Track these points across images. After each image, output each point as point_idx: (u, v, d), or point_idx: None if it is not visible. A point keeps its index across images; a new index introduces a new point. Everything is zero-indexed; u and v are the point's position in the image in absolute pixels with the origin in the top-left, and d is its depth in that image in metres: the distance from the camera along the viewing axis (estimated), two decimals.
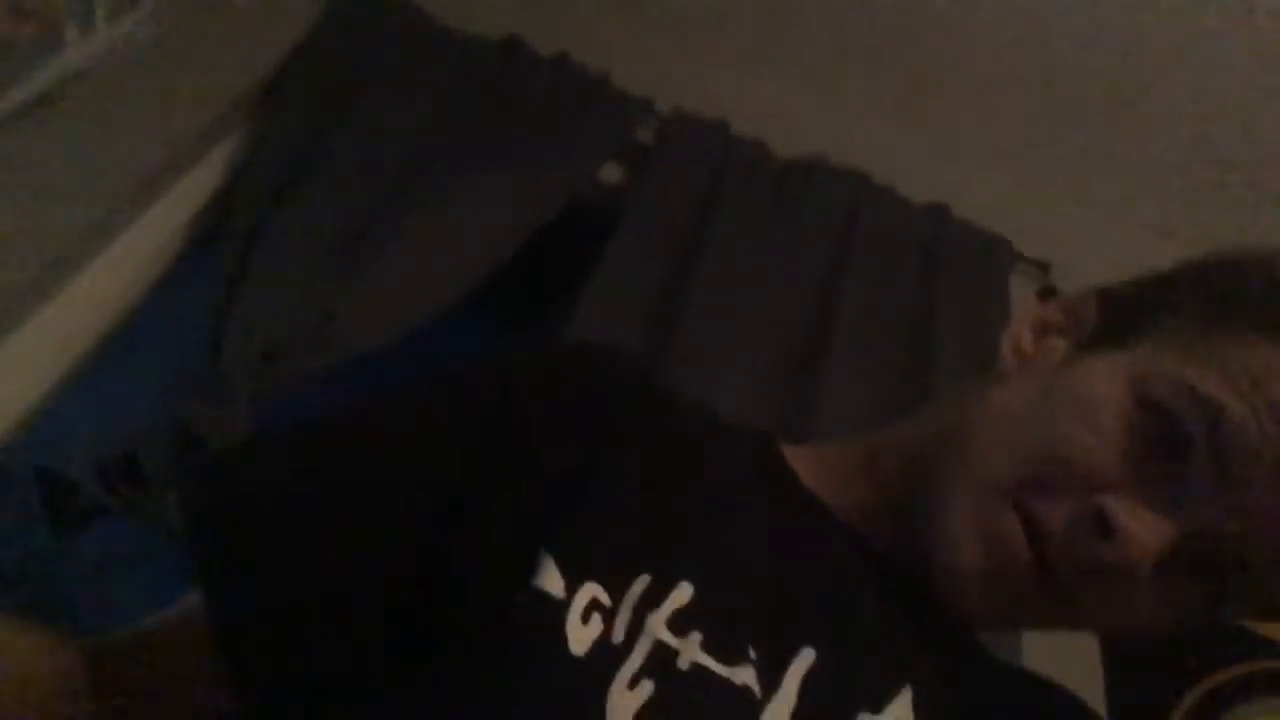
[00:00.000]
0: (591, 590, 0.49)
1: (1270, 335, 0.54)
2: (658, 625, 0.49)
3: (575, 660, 0.47)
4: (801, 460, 0.65)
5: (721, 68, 1.83)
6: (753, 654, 0.50)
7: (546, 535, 0.51)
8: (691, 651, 0.49)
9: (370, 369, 1.38)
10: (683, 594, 0.51)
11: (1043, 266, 1.68)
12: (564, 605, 0.48)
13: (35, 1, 1.39)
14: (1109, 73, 1.60)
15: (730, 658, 0.49)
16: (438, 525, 0.53)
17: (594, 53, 1.73)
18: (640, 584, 0.50)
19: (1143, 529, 0.51)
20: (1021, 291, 1.65)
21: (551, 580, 0.49)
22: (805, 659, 0.52)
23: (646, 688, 0.47)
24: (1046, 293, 1.64)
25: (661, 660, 0.48)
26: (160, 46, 1.54)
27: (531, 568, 0.49)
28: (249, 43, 1.63)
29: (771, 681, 0.50)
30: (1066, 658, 1.07)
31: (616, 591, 0.50)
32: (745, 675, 0.49)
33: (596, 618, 0.49)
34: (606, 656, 0.48)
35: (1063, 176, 1.70)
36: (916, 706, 0.52)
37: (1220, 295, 0.58)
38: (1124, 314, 0.60)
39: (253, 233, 1.47)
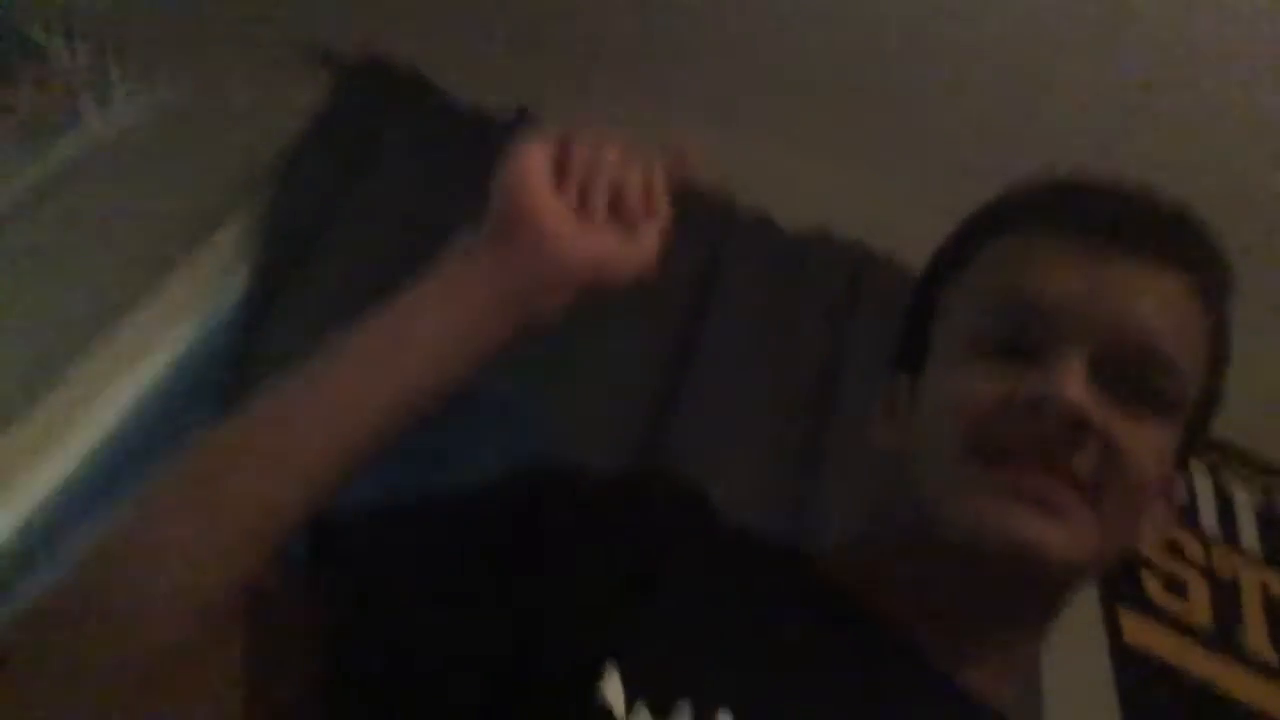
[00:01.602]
0: (642, 714, 0.51)
1: (996, 235, 0.69)
2: None
3: None
4: (834, 564, 0.69)
5: (724, 141, 1.85)
6: None
7: (613, 641, 0.54)
8: None
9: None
10: None
11: None
12: None
13: (56, 77, 1.40)
14: (1106, 146, 1.65)
15: None
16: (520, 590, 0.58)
17: (601, 124, 1.74)
18: (682, 713, 0.52)
19: (1053, 379, 0.59)
20: None
21: (614, 693, 0.51)
22: None
23: None
24: None
25: None
26: (175, 122, 1.55)
27: (597, 667, 0.52)
28: (263, 117, 1.64)
29: None
30: None
31: (660, 717, 0.52)
32: None
33: None
34: None
35: None
36: None
37: (959, 247, 0.72)
38: (919, 330, 0.72)
39: (266, 304, 1.47)
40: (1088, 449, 0.59)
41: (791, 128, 1.88)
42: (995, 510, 0.58)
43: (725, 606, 0.60)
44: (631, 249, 0.63)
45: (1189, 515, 1.56)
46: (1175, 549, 1.50)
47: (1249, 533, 1.55)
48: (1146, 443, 0.61)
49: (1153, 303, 0.62)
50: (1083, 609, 1.39)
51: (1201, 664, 1.37)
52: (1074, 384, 0.59)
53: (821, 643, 0.61)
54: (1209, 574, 1.48)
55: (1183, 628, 1.40)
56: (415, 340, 0.58)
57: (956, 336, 0.67)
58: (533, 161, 0.61)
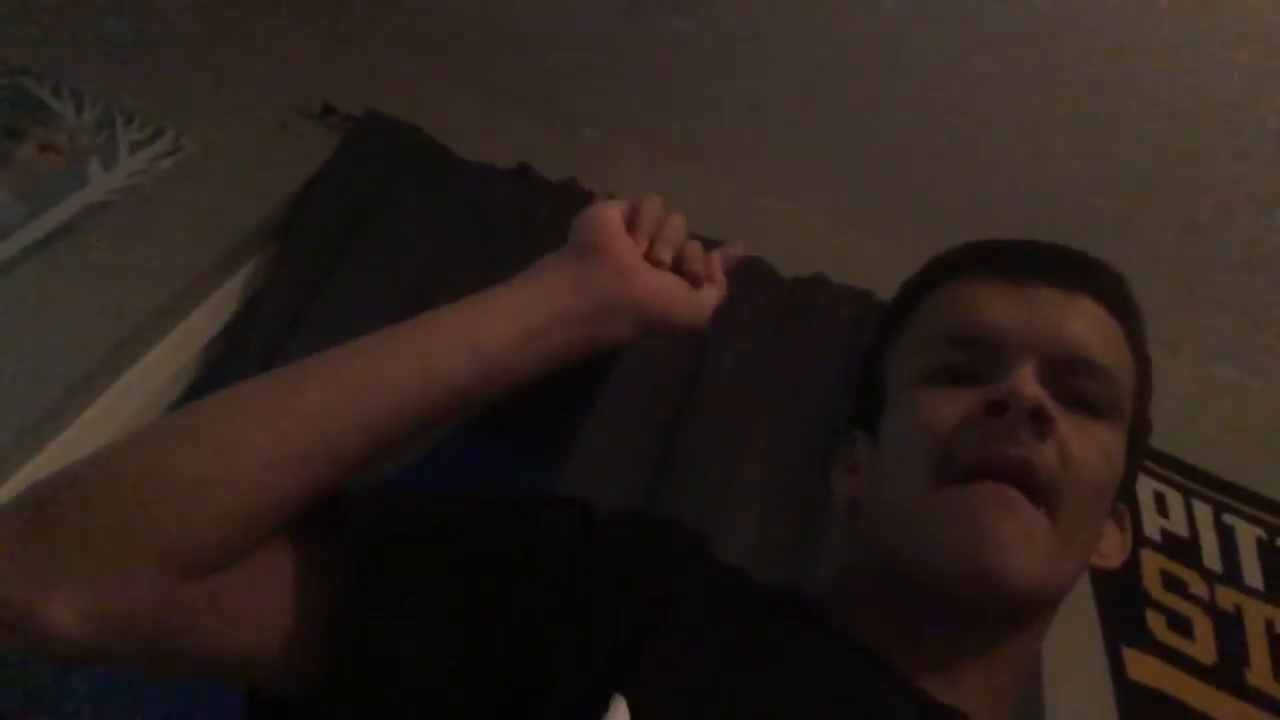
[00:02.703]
0: None
1: (930, 289, 0.76)
2: None
3: None
4: (826, 603, 0.71)
5: (724, 189, 1.89)
6: None
7: (621, 672, 0.55)
8: None
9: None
10: None
11: None
12: None
13: (62, 138, 1.43)
14: (1099, 199, 1.67)
15: None
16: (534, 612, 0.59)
17: (601, 178, 1.78)
18: None
19: (1010, 382, 0.65)
20: None
21: None
22: None
23: None
24: None
25: None
26: (180, 177, 1.57)
27: (603, 697, 0.54)
28: (267, 172, 1.67)
29: None
30: None
31: None
32: None
33: None
34: None
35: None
36: None
37: (897, 309, 0.79)
38: (870, 388, 0.78)
39: (268, 359, 1.49)
40: (1047, 444, 0.64)
41: (785, 180, 1.91)
42: (963, 534, 0.62)
43: (727, 642, 0.61)
44: (693, 298, 0.70)
45: (1191, 553, 1.56)
46: (1179, 586, 1.50)
47: (1252, 569, 1.55)
48: (1095, 443, 0.67)
49: (1079, 320, 0.70)
50: (1087, 647, 1.39)
51: (1207, 701, 1.36)
52: (1029, 382, 0.65)
53: (820, 676, 0.63)
54: (1213, 611, 1.48)
55: (1188, 665, 1.40)
56: (495, 319, 0.63)
57: (911, 377, 0.72)
58: (609, 208, 0.68)
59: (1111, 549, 0.73)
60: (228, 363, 1.56)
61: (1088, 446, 0.66)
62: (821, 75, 1.72)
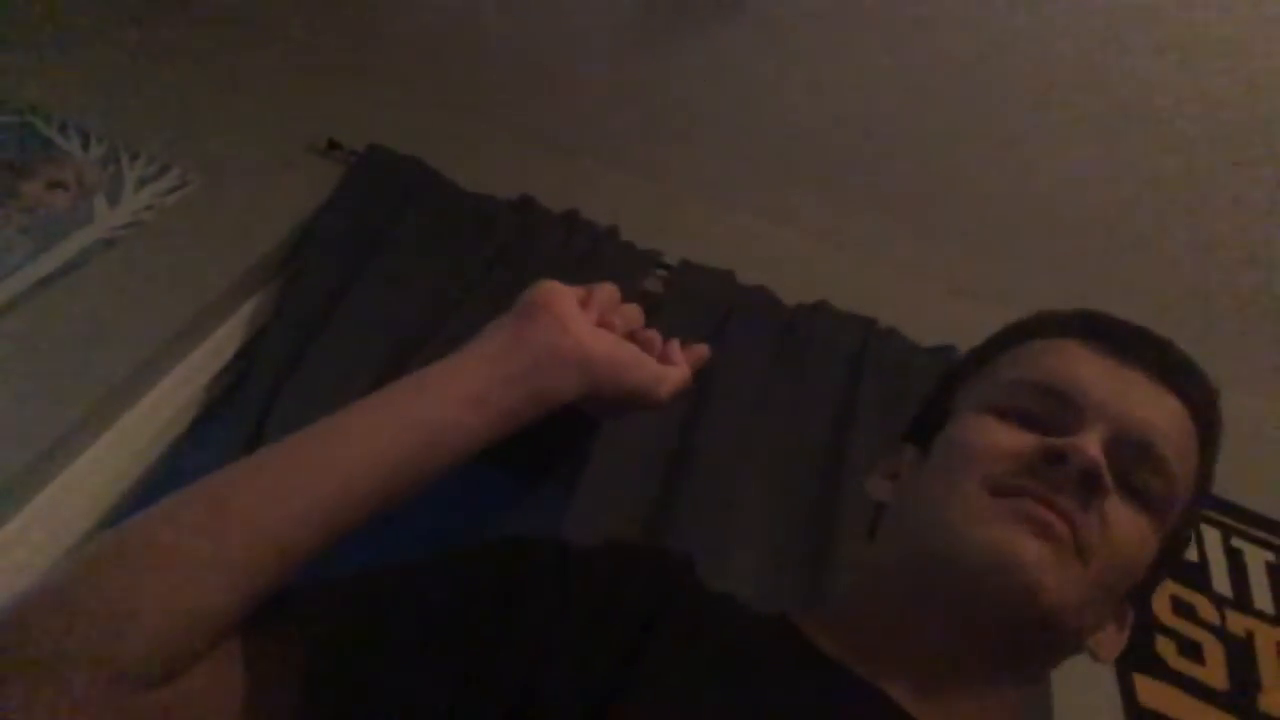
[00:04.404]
0: None
1: (1030, 338, 0.78)
2: None
3: None
4: (817, 627, 0.71)
5: (727, 217, 1.90)
6: None
7: (606, 704, 0.56)
8: None
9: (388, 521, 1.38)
10: None
11: None
12: None
13: (69, 175, 1.44)
14: (1106, 219, 1.68)
15: None
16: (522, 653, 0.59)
17: (603, 209, 1.79)
18: None
19: (1076, 439, 0.66)
20: None
21: None
22: None
23: None
24: None
25: None
26: (185, 213, 1.58)
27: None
28: (272, 207, 1.68)
29: None
30: None
31: None
32: None
33: None
34: None
35: None
36: None
37: (989, 347, 0.82)
38: (935, 410, 0.79)
39: (272, 392, 1.49)
40: (1091, 511, 0.65)
41: (788, 207, 1.92)
42: (1000, 535, 0.63)
43: (713, 668, 0.62)
44: (648, 365, 0.68)
45: (1201, 578, 1.55)
46: (1189, 612, 1.50)
47: (1262, 593, 1.55)
48: (1136, 528, 0.67)
49: (1160, 413, 0.71)
50: (1098, 674, 1.38)
51: None
52: (1094, 444, 0.66)
53: (806, 702, 0.63)
54: (1223, 636, 1.47)
55: (1199, 691, 1.39)
56: (435, 391, 0.61)
57: (981, 406, 0.74)
58: (560, 284, 0.67)
59: (1108, 642, 0.73)
60: (233, 396, 1.57)
61: (1129, 529, 0.67)
62: (824, 102, 1.73)
